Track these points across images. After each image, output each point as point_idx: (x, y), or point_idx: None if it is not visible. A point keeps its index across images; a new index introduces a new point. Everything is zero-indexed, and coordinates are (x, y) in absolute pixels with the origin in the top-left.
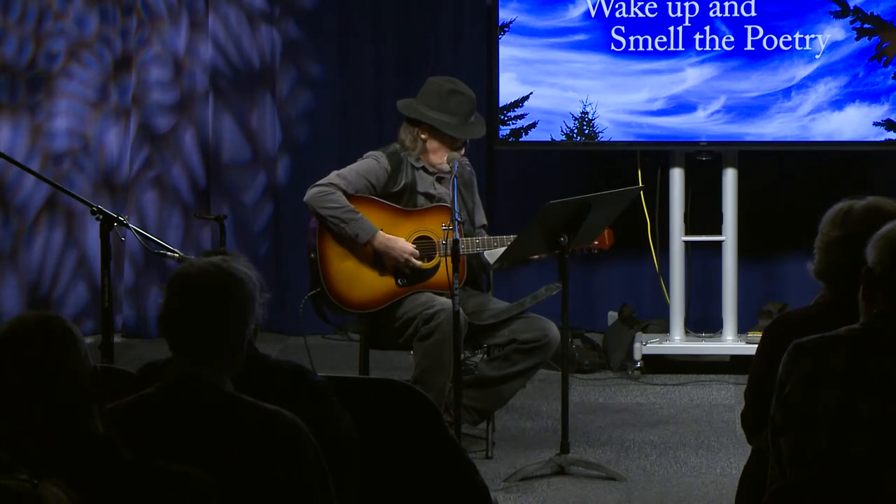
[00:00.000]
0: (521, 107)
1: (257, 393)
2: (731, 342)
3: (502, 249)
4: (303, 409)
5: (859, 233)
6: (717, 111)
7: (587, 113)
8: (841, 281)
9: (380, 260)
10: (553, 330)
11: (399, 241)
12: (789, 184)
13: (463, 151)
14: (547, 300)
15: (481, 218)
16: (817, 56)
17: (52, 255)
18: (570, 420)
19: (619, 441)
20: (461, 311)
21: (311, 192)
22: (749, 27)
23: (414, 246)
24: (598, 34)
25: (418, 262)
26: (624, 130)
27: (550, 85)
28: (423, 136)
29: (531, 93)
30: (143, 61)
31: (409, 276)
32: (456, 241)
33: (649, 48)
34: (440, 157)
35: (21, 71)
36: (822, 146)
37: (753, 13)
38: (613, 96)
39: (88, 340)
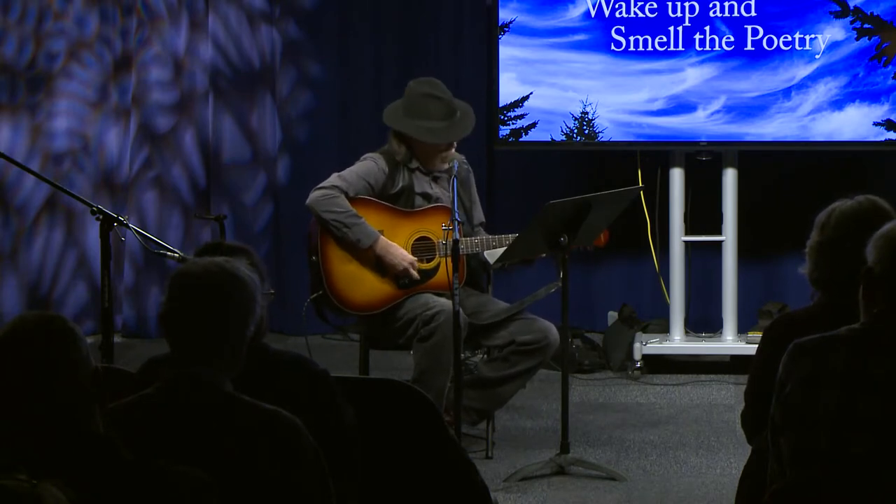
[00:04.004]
0: (521, 107)
1: (258, 382)
2: (731, 342)
3: (502, 249)
4: (304, 397)
5: (837, 238)
6: (717, 111)
7: (587, 113)
8: (830, 284)
9: (382, 263)
10: (552, 331)
11: (399, 249)
12: (789, 184)
13: (453, 149)
14: (547, 300)
15: (479, 215)
16: (817, 56)
17: (52, 255)
18: (570, 420)
19: (619, 441)
20: (461, 311)
21: (313, 196)
22: (749, 27)
23: (414, 258)
24: (598, 34)
25: (416, 274)
26: (624, 130)
27: (550, 85)
28: (406, 143)
29: (531, 93)
30: (143, 61)
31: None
32: (456, 242)
33: (649, 48)
34: (431, 161)
35: (21, 71)
36: (822, 146)
37: (753, 13)
38: (613, 96)
39: (88, 340)
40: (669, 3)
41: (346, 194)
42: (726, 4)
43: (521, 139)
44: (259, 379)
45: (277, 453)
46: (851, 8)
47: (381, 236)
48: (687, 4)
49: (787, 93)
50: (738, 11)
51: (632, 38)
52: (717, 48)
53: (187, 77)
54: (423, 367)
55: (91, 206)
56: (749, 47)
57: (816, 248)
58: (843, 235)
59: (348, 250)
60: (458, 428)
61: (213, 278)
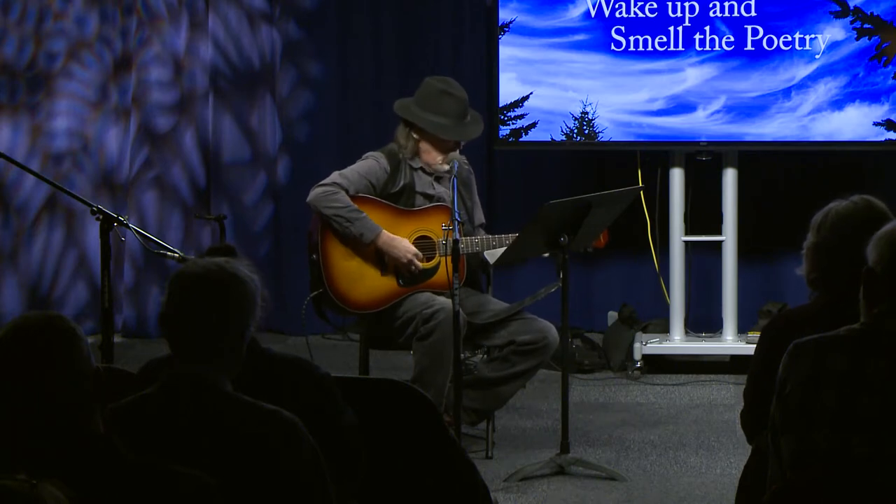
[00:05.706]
0: (521, 107)
1: (260, 386)
2: (731, 342)
3: (503, 249)
4: (306, 401)
5: (833, 239)
6: (717, 111)
7: (587, 113)
8: (827, 285)
9: (382, 260)
10: (552, 331)
11: (403, 241)
12: (789, 184)
13: (458, 151)
14: (547, 300)
15: (480, 217)
16: (817, 56)
17: (52, 255)
18: (570, 420)
19: (619, 441)
20: (461, 310)
21: (314, 192)
22: (749, 27)
23: (418, 250)
24: (598, 34)
25: (420, 265)
26: (624, 130)
27: (550, 85)
28: (415, 136)
29: (531, 93)
30: (143, 61)
31: (410, 276)
32: (456, 242)
33: (649, 48)
34: (433, 158)
35: (21, 71)
36: (822, 146)
37: (753, 13)
38: (613, 96)
39: (88, 340)
40: (669, 3)
41: (347, 192)
42: (726, 4)
43: (521, 139)
44: (260, 382)
45: (277, 453)
46: (851, 8)
47: (384, 231)
48: (687, 4)
49: (787, 93)
50: (738, 11)
51: (632, 38)
52: (717, 48)
53: (187, 77)
54: (423, 366)
55: (91, 206)
56: (749, 47)
57: (813, 249)
58: (839, 236)
59: (350, 246)
60: (458, 428)
61: (212, 279)
